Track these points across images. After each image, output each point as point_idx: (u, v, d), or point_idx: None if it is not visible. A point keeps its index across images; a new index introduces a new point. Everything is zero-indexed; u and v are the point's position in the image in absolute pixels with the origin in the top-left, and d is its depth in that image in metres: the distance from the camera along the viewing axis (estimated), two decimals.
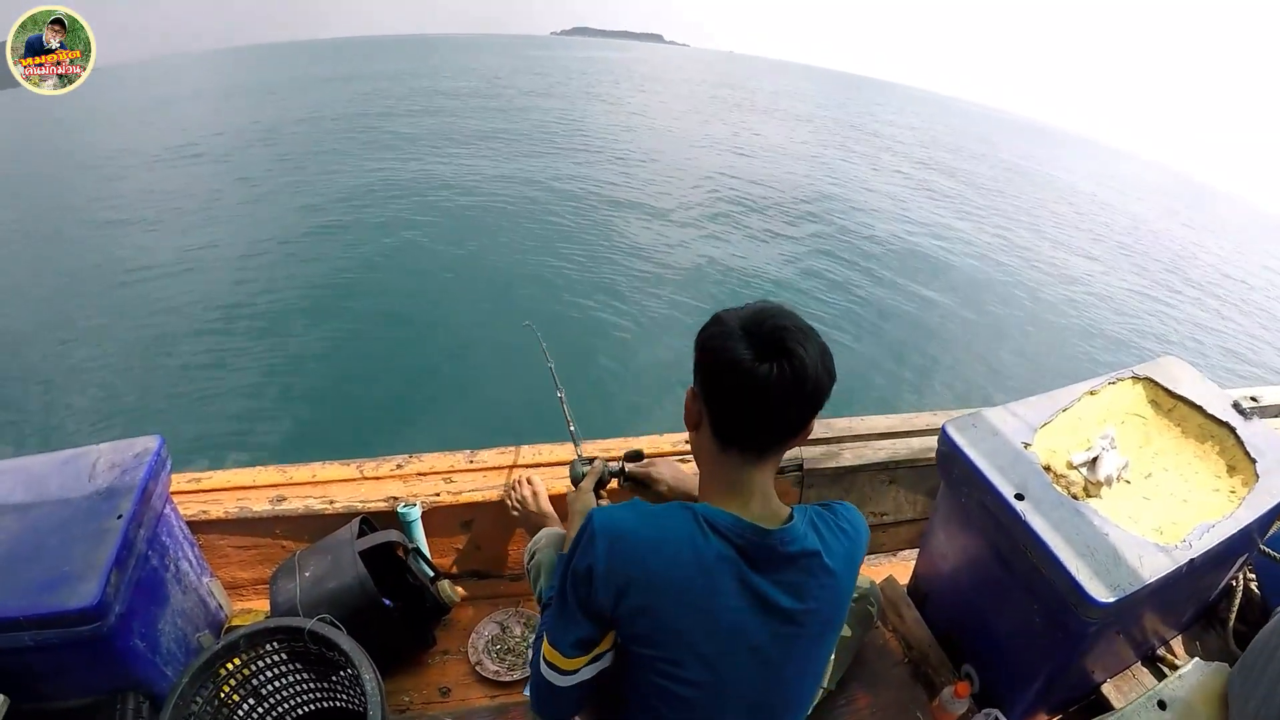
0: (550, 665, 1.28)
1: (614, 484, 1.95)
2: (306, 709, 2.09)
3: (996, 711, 2.03)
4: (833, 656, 2.07)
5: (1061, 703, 2.19)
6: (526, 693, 2.21)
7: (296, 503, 2.38)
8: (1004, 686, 2.11)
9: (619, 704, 1.39)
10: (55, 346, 6.80)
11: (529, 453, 2.66)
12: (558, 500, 2.27)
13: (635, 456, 2.04)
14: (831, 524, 1.28)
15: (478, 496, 2.48)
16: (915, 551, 2.54)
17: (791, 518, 1.25)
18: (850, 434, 2.68)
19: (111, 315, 7.32)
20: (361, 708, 2.00)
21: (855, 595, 2.10)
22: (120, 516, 1.77)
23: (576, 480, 1.92)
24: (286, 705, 2.04)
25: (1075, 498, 1.89)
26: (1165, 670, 2.17)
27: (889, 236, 13.06)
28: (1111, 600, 1.63)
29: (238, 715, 1.91)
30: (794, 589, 1.22)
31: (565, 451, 2.64)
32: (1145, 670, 2.18)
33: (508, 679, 2.29)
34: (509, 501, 2.28)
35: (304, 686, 2.04)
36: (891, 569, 2.62)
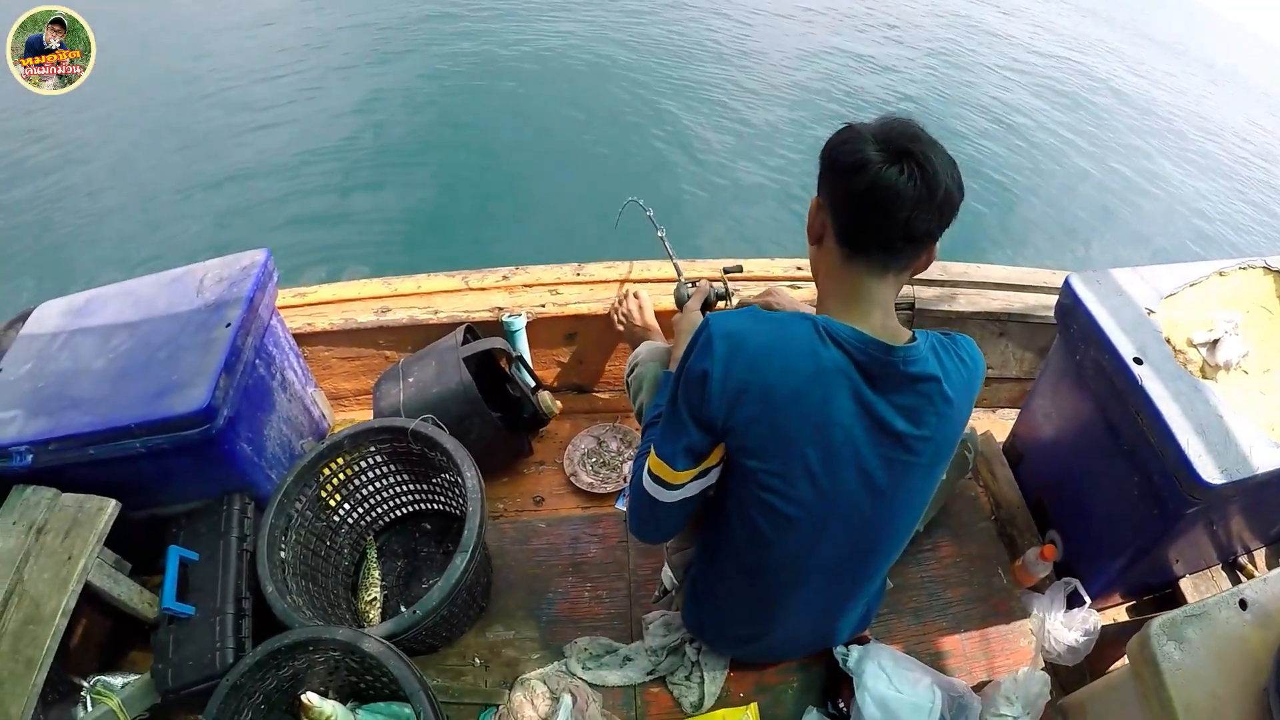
0: (655, 478, 1.29)
1: (720, 306, 1.89)
2: (402, 511, 2.23)
3: (1076, 582, 1.99)
4: None
5: (1138, 588, 2.15)
6: (618, 505, 2.29)
7: (401, 313, 2.43)
8: (1086, 559, 2.07)
9: (717, 519, 1.42)
10: (161, 169, 6.86)
11: (638, 268, 2.64)
12: (664, 317, 2.24)
13: (734, 270, 1.96)
14: (952, 351, 1.25)
15: (583, 309, 2.49)
16: (1015, 412, 2.46)
17: (914, 339, 1.21)
18: (965, 279, 2.55)
19: (215, 134, 7.35)
20: (457, 510, 2.12)
21: None
22: (228, 325, 1.84)
23: (681, 303, 1.88)
24: (383, 508, 2.18)
25: (1192, 376, 1.75)
26: (1243, 578, 2.08)
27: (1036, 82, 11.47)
28: (1217, 483, 1.54)
29: (335, 519, 2.04)
30: (911, 413, 1.20)
31: (673, 270, 2.60)
32: (1224, 574, 2.10)
33: (601, 491, 2.36)
34: (615, 315, 2.27)
35: (402, 489, 2.16)
36: (990, 425, 2.54)
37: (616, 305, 2.27)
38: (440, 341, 2.33)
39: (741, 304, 1.81)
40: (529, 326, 2.46)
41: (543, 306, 2.47)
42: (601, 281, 2.59)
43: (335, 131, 7.33)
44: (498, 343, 2.32)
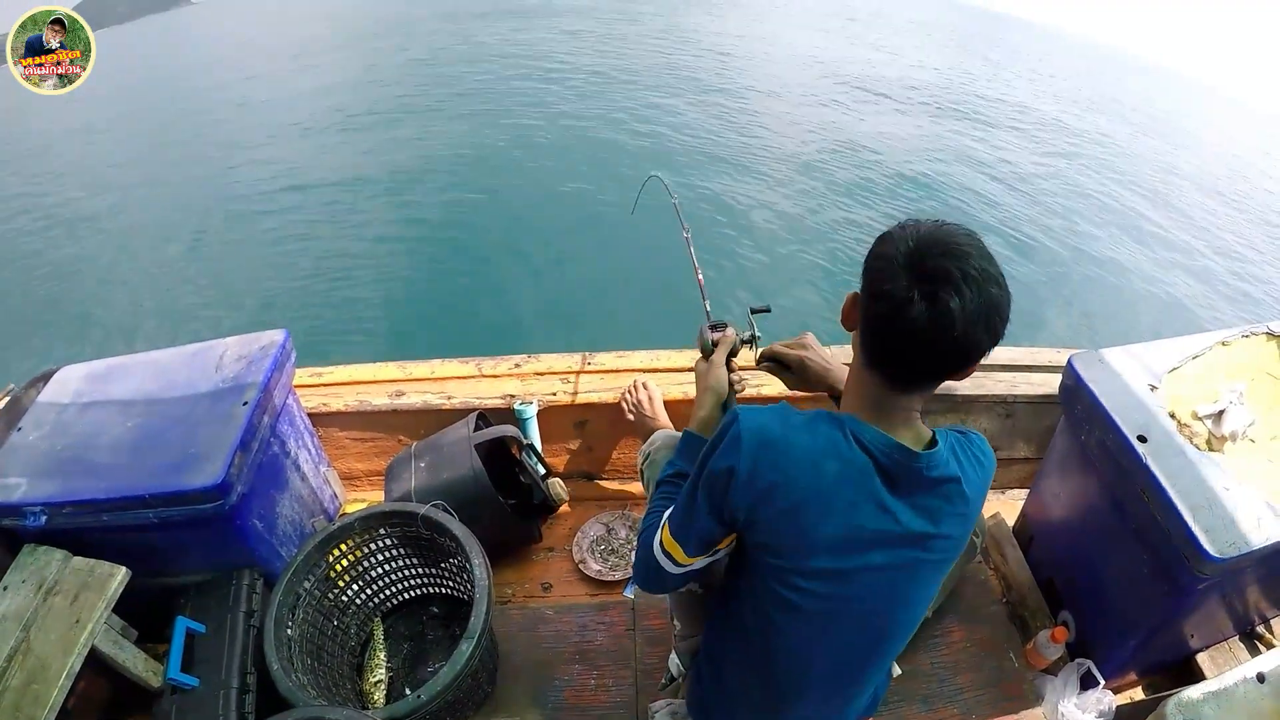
0: (667, 554, 1.31)
1: (744, 353, 1.79)
2: (410, 594, 2.22)
3: (1089, 663, 1.96)
4: None
5: (1154, 665, 2.11)
6: (626, 592, 2.28)
7: (415, 397, 2.47)
8: (1099, 639, 2.04)
9: (728, 605, 1.43)
10: (185, 246, 6.97)
11: (646, 358, 2.67)
12: (673, 406, 2.28)
13: (761, 310, 1.85)
14: (969, 452, 1.25)
15: (593, 398, 2.52)
16: (1024, 492, 2.44)
17: (935, 441, 1.22)
18: None
19: (238, 215, 7.49)
20: (465, 595, 2.12)
21: None
22: (245, 403, 1.88)
23: (706, 351, 1.76)
24: (390, 590, 2.17)
25: (1198, 449, 1.76)
26: (1262, 649, 2.04)
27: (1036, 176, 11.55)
28: (1226, 557, 1.52)
29: (344, 599, 2.04)
30: (929, 513, 1.21)
31: (683, 359, 2.63)
32: (1241, 646, 2.06)
33: (609, 578, 2.35)
34: (625, 404, 2.30)
35: (410, 572, 2.16)
36: (999, 507, 2.53)
37: (627, 395, 2.31)
38: (453, 428, 2.36)
39: (770, 354, 1.74)
40: (540, 414, 2.48)
41: (554, 395, 2.51)
42: (611, 371, 2.62)
43: (359, 214, 7.48)
44: (509, 430, 2.34)
